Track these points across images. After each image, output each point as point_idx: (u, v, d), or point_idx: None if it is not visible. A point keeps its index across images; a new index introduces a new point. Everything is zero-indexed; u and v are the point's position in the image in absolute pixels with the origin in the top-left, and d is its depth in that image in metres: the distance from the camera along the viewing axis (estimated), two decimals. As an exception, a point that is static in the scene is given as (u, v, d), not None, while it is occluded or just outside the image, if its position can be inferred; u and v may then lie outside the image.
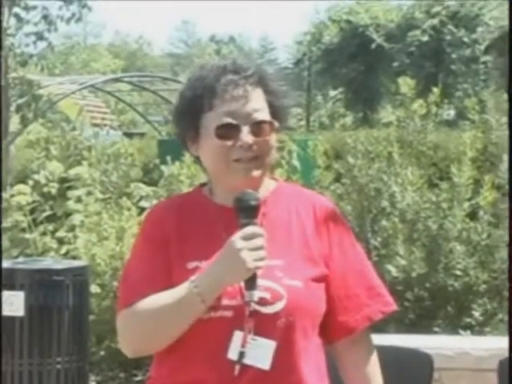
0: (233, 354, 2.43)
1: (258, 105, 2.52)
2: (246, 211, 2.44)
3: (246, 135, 2.47)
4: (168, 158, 8.90)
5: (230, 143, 2.48)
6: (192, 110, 2.55)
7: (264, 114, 2.52)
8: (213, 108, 2.49)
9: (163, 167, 9.34)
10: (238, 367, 2.41)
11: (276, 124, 2.55)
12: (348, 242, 2.71)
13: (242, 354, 2.44)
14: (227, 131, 2.47)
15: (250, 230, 2.36)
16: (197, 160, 2.77)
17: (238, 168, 2.51)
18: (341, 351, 2.64)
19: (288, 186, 2.95)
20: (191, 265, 2.49)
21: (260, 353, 2.50)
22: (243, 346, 2.46)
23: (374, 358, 2.73)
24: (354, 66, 24.57)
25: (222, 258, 2.40)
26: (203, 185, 2.82)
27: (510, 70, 4.73)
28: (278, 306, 2.46)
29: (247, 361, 2.43)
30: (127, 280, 2.67)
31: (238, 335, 2.47)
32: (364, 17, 25.21)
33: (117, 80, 20.62)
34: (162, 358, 2.60)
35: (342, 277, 2.67)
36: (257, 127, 2.49)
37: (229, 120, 2.46)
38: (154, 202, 9.14)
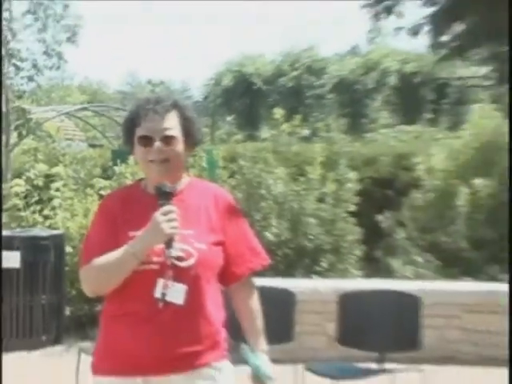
0: (158, 294, 2.59)
1: (170, 125, 2.68)
2: (163, 195, 2.60)
3: (157, 144, 2.64)
4: (118, 162, 9.38)
5: (146, 149, 2.65)
6: (129, 126, 2.75)
7: (174, 131, 2.66)
8: (139, 126, 2.66)
9: (115, 168, 9.57)
10: (161, 303, 2.60)
11: (184, 138, 2.71)
12: (238, 218, 2.93)
13: (163, 295, 2.60)
14: (145, 141, 2.64)
15: (166, 208, 2.55)
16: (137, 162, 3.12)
17: (153, 167, 2.68)
18: (233, 291, 2.83)
19: (198, 180, 3.10)
20: (131, 234, 2.59)
21: (176, 293, 2.64)
22: (165, 288, 2.61)
23: (255, 295, 2.93)
24: (242, 100, 25.11)
25: (148, 227, 2.54)
26: (141, 179, 2.97)
27: (510, 71, 4.43)
28: (190, 262, 2.62)
29: (168, 299, 2.61)
30: (87, 245, 2.80)
31: (161, 281, 2.62)
32: (250, 68, 26.73)
33: (84, 109, 20.87)
34: (111, 297, 2.71)
35: (233, 242, 2.79)
36: (166, 139, 2.64)
37: (146, 133, 2.66)
38: (108, 191, 9.03)
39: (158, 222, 2.49)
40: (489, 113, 12.09)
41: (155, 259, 2.58)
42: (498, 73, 8.18)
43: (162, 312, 2.56)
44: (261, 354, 2.78)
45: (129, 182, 8.83)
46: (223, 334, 2.74)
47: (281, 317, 5.52)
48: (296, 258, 9.12)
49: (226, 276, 2.76)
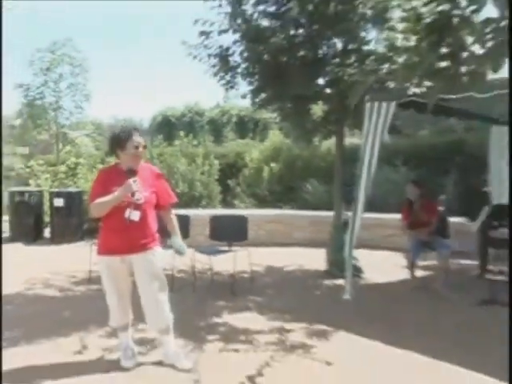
0: (126, 216, 4.27)
1: (143, 141, 4.38)
2: (132, 172, 4.29)
3: (141, 149, 4.36)
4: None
5: (136, 150, 4.32)
6: (121, 140, 4.30)
7: (144, 143, 4.40)
8: (131, 139, 4.29)
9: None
10: (128, 221, 4.26)
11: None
12: (162, 180, 4.64)
13: (129, 216, 4.29)
14: (135, 147, 4.31)
15: (133, 178, 4.24)
16: (116, 157, 4.45)
17: (136, 159, 4.35)
18: (162, 213, 4.62)
19: (145, 164, 4.53)
20: (114, 189, 4.24)
21: (135, 215, 4.32)
22: (129, 213, 4.29)
23: (173, 214, 4.64)
24: (165, 128, 26.93)
25: (125, 186, 4.22)
26: (116, 164, 4.49)
27: (510, 70, 3.87)
28: (141, 201, 4.34)
29: (131, 218, 4.29)
30: (93, 193, 4.37)
31: (128, 210, 4.30)
32: (169, 112, 29.89)
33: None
34: (106, 218, 4.35)
35: (160, 191, 4.52)
36: (144, 146, 4.40)
37: (136, 144, 4.31)
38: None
39: (129, 184, 4.20)
40: (277, 133, 17.16)
41: (126, 200, 4.25)
42: (281, 111, 8.53)
43: (130, 225, 4.26)
44: (179, 240, 4.58)
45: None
46: (157, 235, 4.47)
47: (184, 227, 6.19)
48: (190, 200, 13.33)
49: (158, 206, 4.50)
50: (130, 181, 4.18)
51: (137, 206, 4.26)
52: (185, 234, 6.69)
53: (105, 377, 4.33)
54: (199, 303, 6.44)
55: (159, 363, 4.58)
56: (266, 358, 4.69)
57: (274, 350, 4.91)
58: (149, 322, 4.55)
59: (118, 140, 4.29)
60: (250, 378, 4.27)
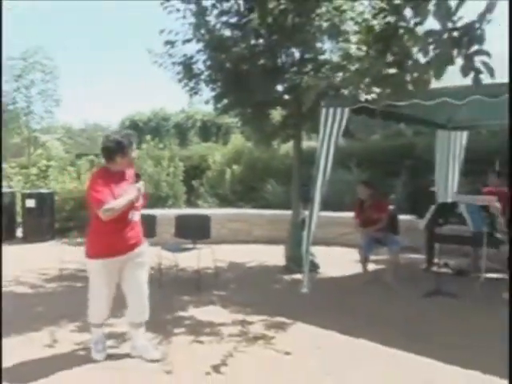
0: (130, 217, 4.31)
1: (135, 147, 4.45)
2: (138, 176, 4.42)
3: (135, 155, 4.44)
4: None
5: (134, 156, 4.42)
6: (127, 145, 4.24)
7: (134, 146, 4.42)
8: (132, 146, 4.29)
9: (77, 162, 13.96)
10: (131, 220, 4.33)
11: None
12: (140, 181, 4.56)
13: (132, 217, 4.34)
14: (133, 154, 4.39)
15: (141, 182, 4.43)
16: (111, 161, 4.29)
17: (130, 165, 4.43)
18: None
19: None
20: (116, 192, 4.16)
21: (136, 216, 4.39)
22: (132, 214, 4.33)
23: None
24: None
25: (136, 189, 4.30)
26: (105, 166, 4.36)
27: (510, 71, 4.20)
28: (140, 203, 4.43)
29: (133, 218, 4.36)
30: (101, 194, 4.10)
31: (132, 212, 4.33)
32: (137, 117, 29.29)
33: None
34: (100, 231, 4.28)
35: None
36: (135, 153, 4.44)
37: (134, 151, 4.37)
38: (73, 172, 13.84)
39: (140, 188, 4.31)
40: (238, 137, 17.27)
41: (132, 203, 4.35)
42: (242, 116, 8.57)
43: (130, 222, 4.31)
44: None
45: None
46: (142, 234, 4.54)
47: (150, 226, 6.74)
48: (156, 200, 13.02)
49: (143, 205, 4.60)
50: (140, 185, 4.32)
51: (136, 208, 4.33)
52: (152, 232, 7.05)
53: (76, 369, 4.28)
54: (166, 298, 6.41)
55: (130, 356, 4.56)
56: (229, 348, 4.74)
57: (237, 342, 4.96)
58: (130, 314, 4.55)
59: (122, 146, 4.21)
60: (215, 368, 4.30)
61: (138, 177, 4.36)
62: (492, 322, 5.60)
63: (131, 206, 4.24)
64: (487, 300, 6.42)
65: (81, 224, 9.36)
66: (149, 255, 4.60)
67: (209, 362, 4.36)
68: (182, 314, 5.91)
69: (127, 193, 4.18)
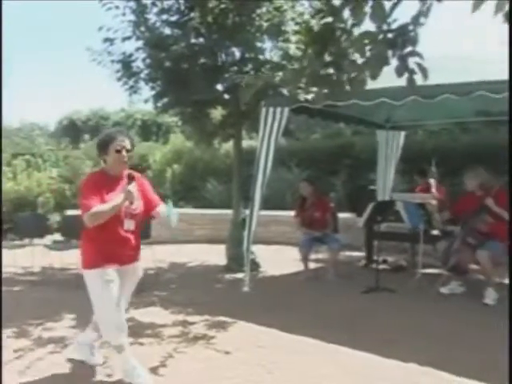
0: (125, 226, 3.87)
1: (127, 144, 3.85)
2: (131, 178, 3.84)
3: (123, 153, 3.82)
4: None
5: (119, 155, 3.81)
6: (105, 143, 3.84)
7: (129, 146, 3.87)
8: (114, 142, 3.81)
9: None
10: (126, 230, 3.87)
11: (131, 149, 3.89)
12: (146, 183, 4.16)
13: (127, 226, 3.88)
14: (118, 151, 3.81)
15: (132, 184, 3.83)
16: (103, 159, 3.92)
17: (120, 165, 3.86)
18: (156, 215, 4.11)
19: (127, 170, 3.96)
20: (109, 195, 3.74)
21: (130, 225, 3.91)
22: (127, 223, 3.88)
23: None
24: (72, 132, 25.75)
25: (126, 192, 3.73)
26: (102, 169, 3.96)
27: (510, 70, 4.06)
28: (137, 211, 3.94)
29: (128, 227, 3.90)
30: (89, 199, 3.67)
31: (126, 220, 3.87)
32: (75, 116, 27.69)
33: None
34: (102, 228, 3.73)
35: (147, 194, 4.07)
36: (127, 150, 3.83)
37: (118, 147, 3.80)
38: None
39: (130, 191, 3.76)
40: (179, 136, 17.24)
41: (123, 209, 3.81)
42: (182, 115, 8.60)
43: (127, 231, 3.89)
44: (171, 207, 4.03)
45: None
46: (139, 247, 4.09)
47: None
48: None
49: (148, 211, 4.06)
50: (131, 187, 3.78)
51: (132, 216, 3.89)
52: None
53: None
54: None
55: (72, 360, 4.44)
56: (169, 350, 4.69)
57: (178, 342, 4.92)
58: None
59: (103, 143, 3.87)
60: (154, 370, 4.25)
61: (129, 178, 3.85)
62: (429, 316, 5.76)
63: (122, 213, 3.79)
64: (424, 294, 6.57)
65: (18, 226, 9.30)
66: (140, 273, 4.21)
67: (148, 363, 4.30)
68: (122, 315, 5.85)
69: (119, 197, 3.77)
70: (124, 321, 3.95)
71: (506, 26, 2.49)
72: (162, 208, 4.08)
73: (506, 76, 5.40)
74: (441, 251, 6.80)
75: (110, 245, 3.82)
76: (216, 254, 8.78)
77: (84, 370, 4.28)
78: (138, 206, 3.91)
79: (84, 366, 4.35)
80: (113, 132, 3.95)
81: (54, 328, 5.17)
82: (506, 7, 2.37)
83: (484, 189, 6.51)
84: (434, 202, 7.43)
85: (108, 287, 3.77)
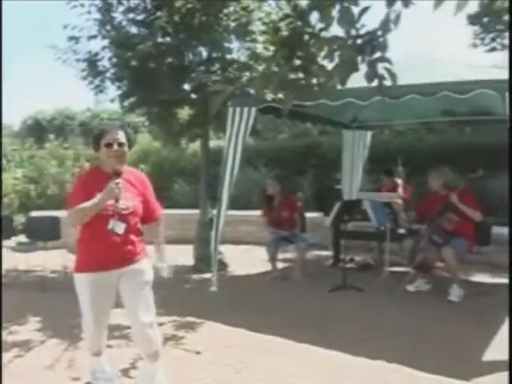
0: (110, 227, 3.51)
1: (121, 137, 3.57)
2: (116, 173, 3.49)
3: (114, 147, 3.53)
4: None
5: (109, 149, 3.54)
6: (97, 138, 3.59)
7: (123, 139, 3.57)
8: (104, 137, 3.55)
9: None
10: (112, 232, 3.50)
11: (127, 143, 3.59)
12: (149, 187, 3.86)
13: (112, 228, 3.50)
14: (108, 145, 3.54)
15: (116, 180, 3.46)
16: (98, 156, 3.65)
17: (112, 159, 3.54)
18: (149, 227, 3.85)
19: (129, 168, 3.78)
20: (97, 194, 3.45)
21: (119, 227, 3.54)
22: (113, 224, 3.50)
23: (162, 233, 3.99)
24: (36, 131, 24.65)
25: (106, 189, 3.43)
26: (97, 166, 3.72)
27: (510, 69, 4.07)
28: (128, 211, 3.57)
29: (115, 230, 3.51)
30: (72, 199, 3.50)
31: (112, 220, 3.50)
32: (39, 116, 27.47)
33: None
34: (88, 229, 3.55)
35: (147, 201, 3.75)
36: (119, 144, 3.54)
37: (108, 141, 3.54)
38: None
39: (111, 187, 3.44)
40: (146, 136, 17.16)
41: (110, 208, 3.50)
42: (149, 115, 8.44)
43: (112, 235, 3.52)
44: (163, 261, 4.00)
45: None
46: (141, 249, 3.71)
47: (55, 228, 7.29)
48: (60, 201, 10.86)
49: (145, 219, 3.76)
50: (112, 184, 3.44)
51: (122, 217, 3.55)
52: (56, 235, 7.06)
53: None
54: (72, 302, 6.07)
55: (35, 364, 4.39)
56: (138, 351, 4.40)
57: (147, 343, 4.90)
58: (135, 342, 3.91)
59: (94, 138, 3.63)
60: (124, 372, 4.22)
61: (115, 173, 3.51)
62: (396, 314, 5.85)
63: (110, 214, 3.50)
64: (391, 292, 6.66)
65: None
66: (150, 274, 3.82)
67: (118, 365, 4.25)
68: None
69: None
70: (103, 329, 3.84)
71: (471, 28, 2.55)
72: (158, 264, 3.96)
73: (470, 76, 5.63)
74: (407, 249, 6.89)
75: (96, 248, 3.57)
76: (184, 255, 8.52)
77: (49, 373, 4.24)
78: (130, 206, 3.58)
79: (49, 370, 4.30)
80: (104, 125, 3.79)
81: (19, 331, 5.10)
82: (467, 7, 2.40)
83: (448, 188, 6.60)
84: (400, 201, 7.55)
85: (88, 292, 3.60)
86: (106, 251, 3.55)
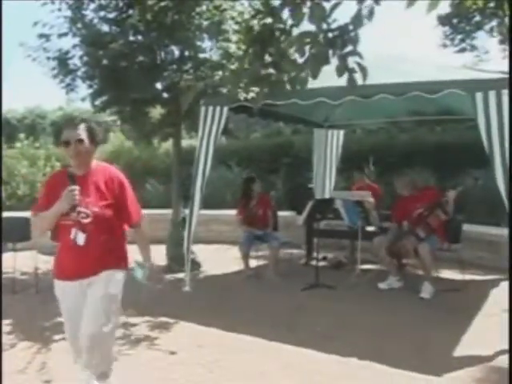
0: (72, 237, 3.23)
1: (80, 133, 3.20)
2: (71, 179, 3.18)
3: (72, 145, 3.18)
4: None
5: (66, 148, 3.20)
6: (57, 136, 3.27)
7: (82, 136, 3.20)
8: (61, 135, 3.20)
9: None
10: (74, 243, 3.23)
11: (89, 140, 3.22)
12: (126, 186, 3.43)
13: (74, 238, 3.24)
14: (65, 143, 3.20)
15: (70, 187, 3.12)
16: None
17: (75, 159, 3.24)
18: (136, 231, 3.62)
19: (101, 164, 3.44)
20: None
21: (80, 238, 3.24)
22: (75, 235, 3.24)
23: (145, 238, 3.85)
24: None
25: (60, 198, 3.14)
26: (67, 166, 3.38)
27: (510, 69, 4.09)
28: (88, 219, 3.23)
29: (76, 241, 3.24)
30: (37, 204, 3.33)
31: (73, 231, 3.23)
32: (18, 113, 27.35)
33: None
34: (58, 239, 3.37)
35: (121, 204, 3.37)
36: (78, 141, 3.19)
37: (65, 139, 3.19)
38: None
39: (66, 195, 3.13)
40: (117, 136, 16.87)
41: (72, 217, 3.22)
42: (120, 114, 8.22)
43: (74, 246, 3.27)
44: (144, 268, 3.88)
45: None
46: (110, 258, 3.35)
47: (25, 229, 6.92)
48: (31, 202, 10.49)
49: (122, 222, 3.46)
50: (67, 191, 3.12)
51: (82, 226, 3.24)
52: (26, 236, 6.90)
53: None
54: (43, 304, 6.02)
55: (6, 368, 4.18)
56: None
57: (121, 345, 4.82)
58: (85, 361, 3.42)
59: (55, 136, 3.41)
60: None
61: (72, 180, 3.19)
62: (368, 311, 5.89)
63: (72, 223, 3.22)
64: (363, 290, 6.75)
65: None
66: (115, 286, 3.49)
67: (91, 367, 4.23)
68: (60, 319, 5.43)
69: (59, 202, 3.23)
70: (78, 336, 3.38)
71: (441, 29, 2.58)
72: (134, 273, 3.76)
73: (439, 77, 5.71)
74: (377, 247, 6.94)
75: (62, 256, 3.36)
76: (156, 255, 8.38)
77: (21, 376, 4.17)
78: (89, 213, 3.24)
79: (21, 373, 4.24)
80: (62, 124, 3.39)
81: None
82: (439, 7, 2.42)
83: (417, 189, 6.79)
84: (371, 199, 7.59)
85: (60, 299, 3.41)
86: (69, 261, 3.33)
